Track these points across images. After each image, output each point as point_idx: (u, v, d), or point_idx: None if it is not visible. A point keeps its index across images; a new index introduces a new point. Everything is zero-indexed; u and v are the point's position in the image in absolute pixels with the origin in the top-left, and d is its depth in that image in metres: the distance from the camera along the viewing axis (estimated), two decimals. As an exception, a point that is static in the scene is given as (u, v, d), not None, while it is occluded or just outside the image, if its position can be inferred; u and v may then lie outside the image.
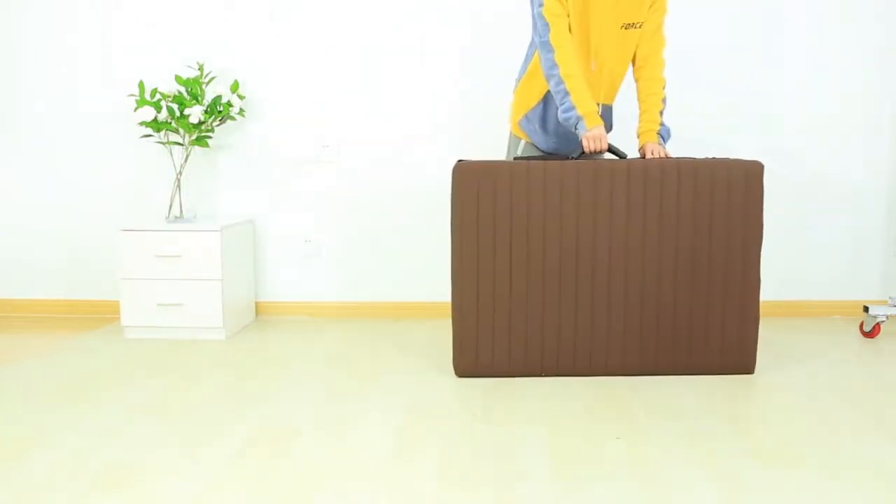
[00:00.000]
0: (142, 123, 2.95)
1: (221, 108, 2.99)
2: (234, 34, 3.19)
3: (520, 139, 2.53)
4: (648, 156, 2.35)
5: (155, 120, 2.94)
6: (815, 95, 3.13)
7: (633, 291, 2.34)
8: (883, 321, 2.85)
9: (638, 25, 2.31)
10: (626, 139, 2.81)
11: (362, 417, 2.05)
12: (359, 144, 3.22)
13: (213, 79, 3.06)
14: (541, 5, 2.25)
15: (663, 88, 2.40)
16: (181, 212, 3.04)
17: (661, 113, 2.40)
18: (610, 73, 2.39)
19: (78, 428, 1.98)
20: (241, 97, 3.06)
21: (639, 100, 2.42)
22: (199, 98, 2.97)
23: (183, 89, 3.02)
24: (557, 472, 1.70)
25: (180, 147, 3.02)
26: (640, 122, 2.41)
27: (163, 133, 3.04)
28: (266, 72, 3.20)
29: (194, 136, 2.99)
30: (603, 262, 2.32)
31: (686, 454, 1.79)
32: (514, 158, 2.44)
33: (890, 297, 2.93)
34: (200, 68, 3.01)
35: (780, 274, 3.24)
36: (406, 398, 2.20)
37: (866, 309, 2.84)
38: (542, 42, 2.26)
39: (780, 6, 3.09)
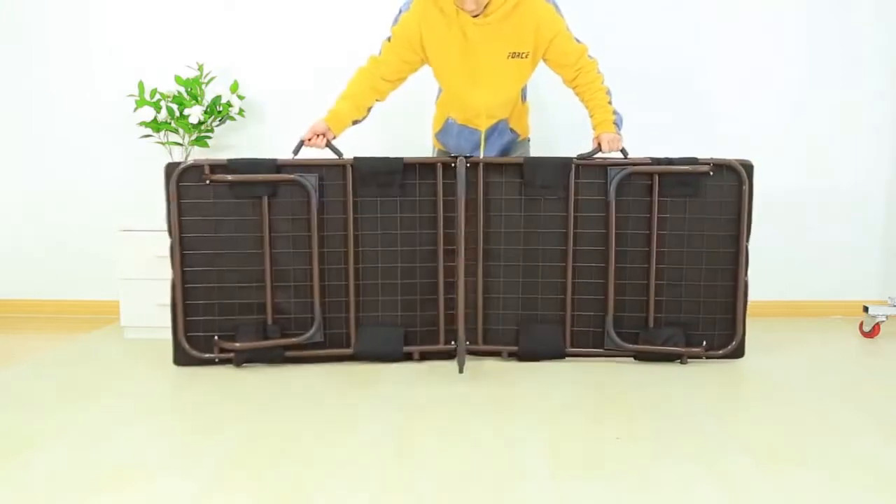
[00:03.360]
0: (141, 124, 2.95)
1: (221, 109, 2.99)
2: (234, 34, 3.19)
3: (435, 148, 2.79)
4: (604, 147, 2.40)
5: (154, 120, 2.94)
6: (815, 95, 3.13)
7: None
8: (882, 321, 2.85)
9: (524, 55, 2.38)
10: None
11: (362, 417, 2.05)
12: (359, 144, 3.21)
13: (212, 79, 3.06)
14: (388, 38, 2.40)
15: (603, 83, 2.45)
16: (181, 212, 3.04)
17: (610, 102, 2.45)
18: (496, 97, 2.49)
19: (78, 428, 1.98)
20: (240, 97, 3.06)
21: (583, 102, 2.49)
22: (199, 98, 2.97)
23: (182, 89, 3.02)
24: (557, 472, 1.70)
25: (180, 147, 3.02)
26: (592, 118, 2.46)
27: (162, 133, 3.03)
28: (266, 72, 3.20)
29: (194, 137, 2.99)
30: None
31: (686, 454, 1.79)
32: None
33: (890, 297, 2.93)
34: (200, 68, 3.01)
35: (780, 274, 3.24)
36: (406, 398, 2.20)
37: (866, 309, 2.84)
38: (370, 55, 2.43)
39: (780, 6, 3.09)
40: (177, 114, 2.94)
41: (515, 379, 2.37)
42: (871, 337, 2.87)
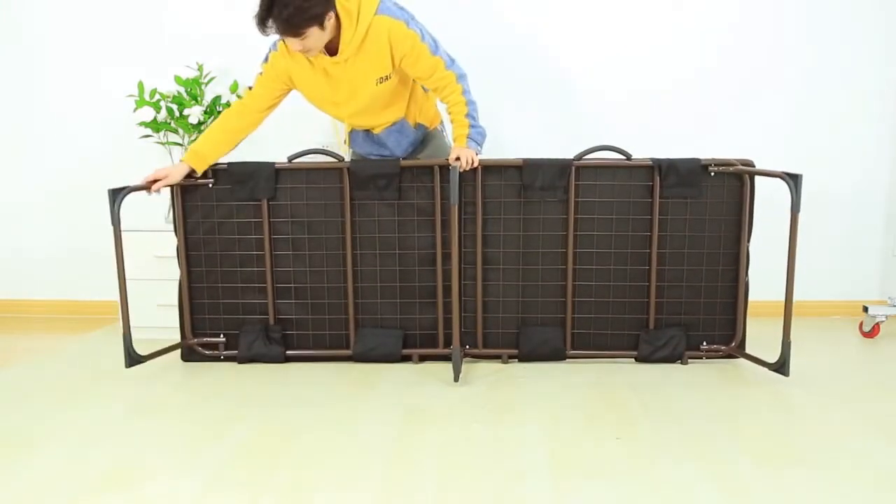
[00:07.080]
0: (141, 124, 2.95)
1: (221, 109, 2.99)
2: (234, 34, 3.19)
3: (350, 150, 2.74)
4: (451, 159, 2.36)
5: (154, 120, 2.94)
6: (814, 95, 3.13)
7: None
8: (882, 321, 2.85)
9: (388, 77, 2.36)
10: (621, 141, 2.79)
11: (362, 418, 2.05)
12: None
13: (212, 79, 3.06)
14: (260, 73, 2.41)
15: (462, 94, 2.37)
16: (181, 212, 3.04)
17: (469, 115, 2.39)
18: (376, 115, 2.47)
19: (78, 428, 1.98)
20: (240, 98, 3.05)
21: (448, 114, 2.44)
22: (199, 98, 2.96)
23: (182, 90, 3.02)
24: (557, 472, 1.70)
25: (180, 147, 3.02)
26: (452, 131, 2.44)
27: (162, 133, 3.03)
28: (266, 72, 3.19)
29: (194, 137, 2.99)
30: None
31: (686, 454, 1.79)
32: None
33: (889, 297, 2.93)
34: (200, 68, 3.01)
35: (779, 274, 3.23)
36: (406, 398, 2.20)
37: (866, 309, 2.84)
38: (246, 89, 2.49)
39: (780, 5, 3.09)
40: (176, 114, 2.94)
41: (515, 380, 2.37)
42: (871, 337, 2.87)
